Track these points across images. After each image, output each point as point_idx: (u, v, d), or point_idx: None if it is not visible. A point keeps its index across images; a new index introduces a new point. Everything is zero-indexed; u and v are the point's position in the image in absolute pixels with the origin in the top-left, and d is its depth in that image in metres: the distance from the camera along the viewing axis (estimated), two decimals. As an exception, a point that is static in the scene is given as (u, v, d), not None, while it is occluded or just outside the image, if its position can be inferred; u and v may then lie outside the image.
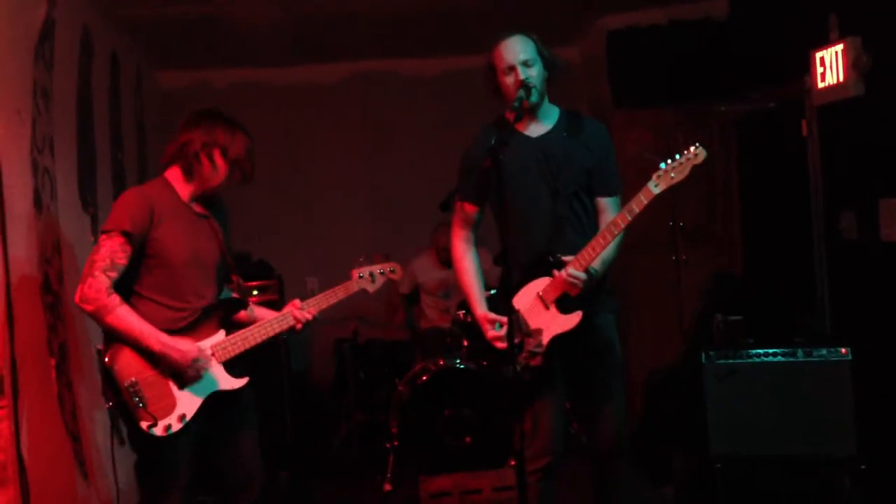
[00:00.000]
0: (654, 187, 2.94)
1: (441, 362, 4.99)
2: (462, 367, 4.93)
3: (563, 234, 3.10)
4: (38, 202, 3.61)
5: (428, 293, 5.83)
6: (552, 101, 3.26)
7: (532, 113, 3.16)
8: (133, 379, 2.84)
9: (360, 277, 3.29)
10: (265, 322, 3.13)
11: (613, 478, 3.25)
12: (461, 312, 5.10)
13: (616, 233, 2.97)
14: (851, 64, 3.98)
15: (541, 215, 3.13)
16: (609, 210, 3.17)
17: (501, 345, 3.09)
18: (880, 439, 3.86)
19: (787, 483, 3.92)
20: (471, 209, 3.30)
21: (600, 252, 2.99)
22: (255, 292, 5.09)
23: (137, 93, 5.56)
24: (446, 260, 5.69)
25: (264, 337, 3.11)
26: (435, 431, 4.90)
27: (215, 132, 3.03)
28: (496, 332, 3.11)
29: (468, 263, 3.30)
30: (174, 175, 3.06)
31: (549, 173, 3.12)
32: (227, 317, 3.10)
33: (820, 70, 4.23)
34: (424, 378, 4.93)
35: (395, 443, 4.95)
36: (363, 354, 5.61)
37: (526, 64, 3.07)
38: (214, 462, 3.13)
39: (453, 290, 5.70)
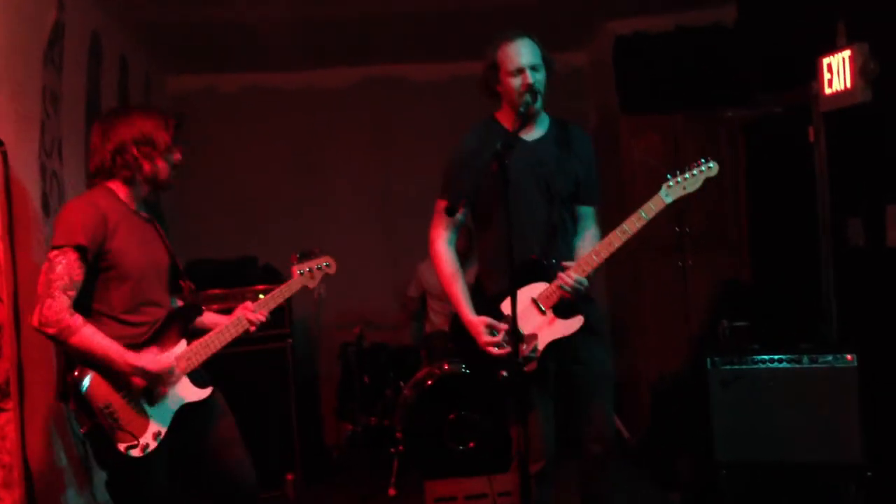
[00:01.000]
0: (666, 196, 2.98)
1: (446, 367, 4.99)
2: (467, 371, 4.93)
3: (555, 240, 3.10)
4: (45, 205, 3.63)
5: (434, 297, 5.84)
6: (557, 108, 3.28)
7: (532, 119, 3.14)
8: (108, 401, 2.75)
9: (301, 274, 3.24)
10: (222, 328, 3.06)
11: (603, 484, 3.20)
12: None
13: (623, 239, 2.97)
14: (859, 70, 3.97)
15: (536, 221, 3.11)
16: (587, 218, 3.19)
17: (497, 351, 3.01)
18: (886, 446, 3.85)
19: (792, 490, 3.91)
20: (460, 209, 3.20)
21: (605, 258, 2.98)
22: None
23: (146, 97, 5.59)
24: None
25: (223, 343, 3.04)
26: (440, 436, 4.90)
27: (138, 127, 2.88)
28: (490, 337, 3.03)
29: (451, 267, 3.22)
30: (116, 185, 2.92)
31: (544, 180, 3.11)
32: (186, 325, 3.03)
33: (827, 76, 4.23)
34: (430, 383, 4.93)
35: (401, 447, 4.95)
36: (368, 359, 5.62)
37: (534, 68, 3.05)
38: (203, 474, 3.06)
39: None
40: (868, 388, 3.84)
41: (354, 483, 5.14)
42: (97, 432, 2.74)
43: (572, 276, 2.98)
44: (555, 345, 3.06)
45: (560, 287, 3.01)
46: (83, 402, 2.73)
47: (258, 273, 5.45)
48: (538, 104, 3.09)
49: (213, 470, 3.03)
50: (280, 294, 3.18)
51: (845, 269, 4.38)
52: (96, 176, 2.92)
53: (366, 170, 6.62)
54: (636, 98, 5.72)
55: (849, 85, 4.05)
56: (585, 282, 2.98)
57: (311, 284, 3.28)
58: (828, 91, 4.24)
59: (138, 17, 4.95)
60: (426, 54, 6.39)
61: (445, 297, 5.66)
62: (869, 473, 3.78)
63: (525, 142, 3.14)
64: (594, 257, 2.99)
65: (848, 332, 4.33)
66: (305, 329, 6.14)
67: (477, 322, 3.07)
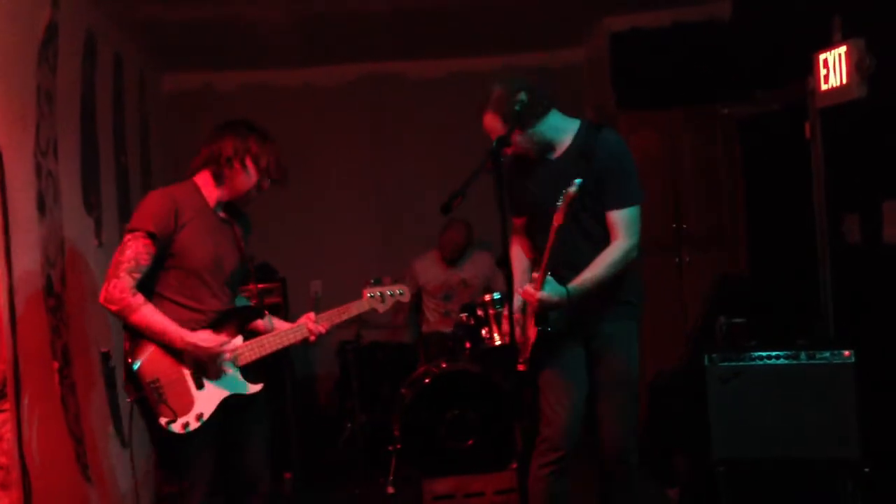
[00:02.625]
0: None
1: (444, 365, 4.99)
2: (465, 370, 4.93)
3: (565, 250, 3.09)
4: (41, 205, 3.62)
5: (429, 295, 5.84)
6: (571, 111, 3.29)
7: (537, 155, 3.22)
8: (156, 377, 2.92)
9: (371, 297, 3.40)
10: (280, 332, 3.22)
11: (617, 485, 3.26)
12: (463, 315, 5.10)
13: (544, 258, 3.01)
14: (855, 66, 3.97)
15: (546, 232, 3.13)
16: (618, 225, 3.13)
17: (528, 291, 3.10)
18: (883, 442, 3.85)
19: (789, 486, 3.91)
20: (517, 221, 3.44)
21: (543, 275, 3.00)
22: (256, 305, 5.10)
23: (141, 95, 5.58)
24: (450, 257, 5.72)
25: (279, 346, 3.20)
26: (438, 434, 4.89)
27: (248, 140, 3.11)
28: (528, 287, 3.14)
29: (518, 258, 3.45)
30: (204, 180, 3.13)
31: (558, 192, 3.09)
32: (243, 324, 3.18)
33: (823, 72, 4.22)
34: (427, 381, 4.92)
35: (398, 445, 4.95)
36: (366, 357, 5.61)
37: (504, 142, 3.03)
38: (227, 466, 3.19)
39: (454, 293, 5.71)
40: (865, 385, 3.84)
41: (352, 481, 5.13)
42: (142, 405, 2.93)
43: (526, 287, 3.08)
44: (537, 350, 3.18)
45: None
46: (132, 373, 2.92)
47: (256, 271, 5.43)
48: (536, 152, 3.19)
49: (238, 466, 3.19)
50: (346, 311, 3.33)
51: (842, 266, 4.38)
52: (194, 162, 3.15)
53: (362, 167, 6.61)
54: (633, 94, 5.73)
55: (845, 81, 4.05)
56: (534, 293, 3.01)
57: (381, 309, 3.45)
58: (824, 87, 4.24)
59: (133, 15, 4.93)
60: (424, 52, 6.39)
61: (439, 296, 5.75)
62: (866, 470, 3.77)
63: (547, 160, 3.23)
64: (540, 274, 3.04)
65: (845, 328, 4.34)
66: (302, 327, 6.14)
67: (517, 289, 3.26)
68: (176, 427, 2.91)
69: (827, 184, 4.47)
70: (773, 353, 3.97)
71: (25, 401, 3.22)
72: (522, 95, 3.08)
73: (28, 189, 3.52)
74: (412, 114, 6.58)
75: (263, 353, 3.15)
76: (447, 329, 5.40)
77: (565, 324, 3.14)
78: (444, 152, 6.32)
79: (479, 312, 4.88)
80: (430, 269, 5.85)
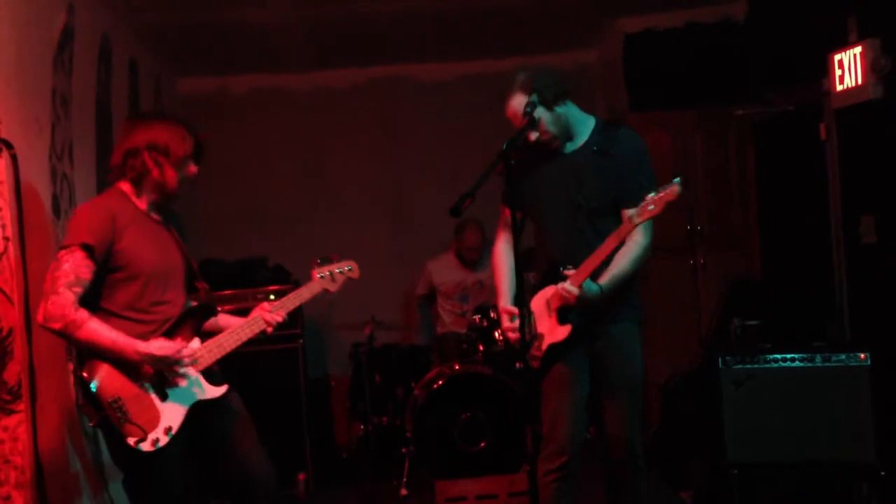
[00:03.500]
0: (637, 218, 2.92)
1: (457, 367, 4.99)
2: (478, 372, 4.93)
3: (579, 246, 3.10)
4: (56, 208, 3.65)
5: (444, 296, 5.83)
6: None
7: (560, 142, 3.19)
8: (116, 395, 2.75)
9: (321, 277, 3.27)
10: (237, 328, 3.08)
11: (623, 486, 3.24)
12: (476, 317, 5.10)
13: (605, 254, 2.97)
14: (870, 66, 3.95)
15: (559, 227, 3.19)
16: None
17: (512, 335, 3.21)
18: (900, 446, 3.82)
19: (804, 489, 3.89)
20: (508, 214, 3.32)
21: (591, 271, 2.99)
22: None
23: (156, 99, 5.61)
24: (469, 260, 5.70)
25: (238, 342, 3.06)
26: (451, 436, 4.90)
27: (155, 134, 2.92)
28: (510, 323, 3.21)
29: (502, 260, 3.39)
30: (127, 187, 2.98)
31: (573, 187, 3.15)
32: (198, 325, 3.04)
33: (838, 73, 4.20)
34: (440, 382, 4.93)
35: (411, 447, 4.95)
36: (379, 358, 5.62)
37: (531, 125, 3.06)
38: (221, 473, 3.10)
39: (470, 294, 5.70)
40: (881, 387, 3.81)
41: (365, 483, 5.14)
42: (106, 425, 2.76)
43: (564, 285, 3.02)
44: (556, 348, 3.14)
45: (557, 294, 3.08)
46: (91, 396, 2.75)
47: (268, 273, 5.46)
48: (557, 140, 3.15)
49: (231, 469, 3.05)
50: (298, 296, 3.21)
51: (858, 268, 4.35)
52: (111, 174, 2.98)
53: (374, 169, 6.62)
54: (645, 95, 5.72)
55: (860, 81, 4.03)
56: (574, 290, 2.98)
57: (332, 288, 3.30)
58: (839, 87, 4.22)
59: (148, 19, 4.96)
60: (434, 54, 6.39)
61: (455, 297, 5.74)
62: (882, 473, 3.74)
63: (561, 153, 3.21)
64: (584, 270, 3.00)
65: (860, 330, 4.31)
66: (316, 329, 6.15)
67: (503, 309, 3.27)
68: (145, 446, 2.75)
69: (842, 185, 4.44)
70: (788, 356, 3.95)
71: (40, 402, 3.24)
72: (549, 74, 3.13)
73: (43, 192, 3.54)
74: (424, 116, 6.58)
75: (223, 353, 3.01)
76: (462, 330, 5.40)
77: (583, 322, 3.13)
78: (456, 154, 6.32)
79: (493, 314, 4.87)
80: (445, 271, 5.84)
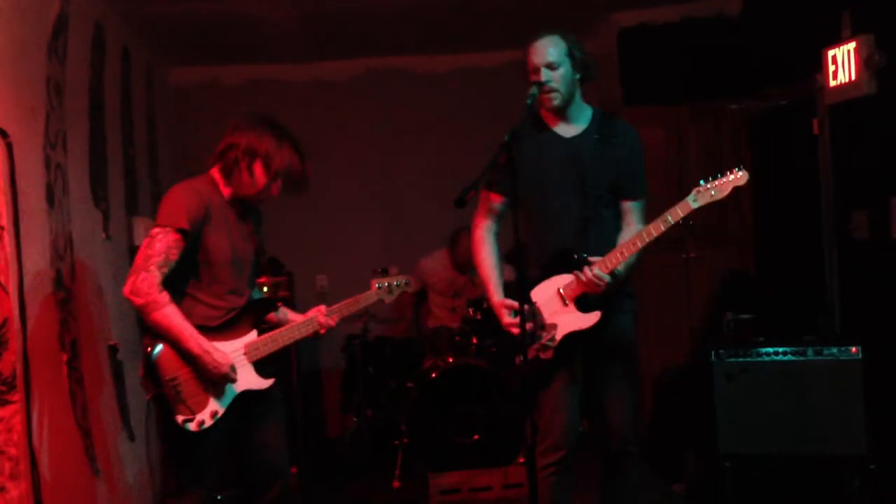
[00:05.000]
0: (694, 202, 2.96)
1: (451, 360, 5.00)
2: (471, 364, 4.94)
3: (587, 234, 3.13)
4: (50, 197, 3.63)
5: (438, 293, 5.83)
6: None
7: (561, 114, 3.19)
8: (175, 374, 2.92)
9: (379, 288, 3.40)
10: (293, 325, 3.21)
11: (621, 476, 3.26)
12: (471, 310, 5.11)
13: (647, 241, 2.98)
14: (864, 62, 3.96)
15: (567, 215, 3.16)
16: (633, 213, 3.20)
17: (516, 331, 3.11)
18: (890, 439, 3.85)
19: (796, 482, 3.92)
20: (496, 199, 3.32)
21: (628, 257, 3.01)
22: (265, 289, 5.11)
23: (149, 89, 5.58)
24: (464, 266, 5.66)
25: (292, 339, 3.19)
26: (444, 429, 4.91)
27: (262, 141, 3.05)
28: (511, 318, 3.15)
29: (487, 252, 3.33)
30: (217, 175, 3.12)
31: (578, 174, 3.15)
32: (259, 317, 3.18)
33: (832, 68, 4.21)
34: (434, 375, 4.94)
35: (405, 440, 4.96)
36: (373, 351, 5.62)
37: (550, 66, 3.09)
38: (241, 458, 3.20)
39: (462, 291, 5.70)
40: (872, 381, 3.84)
41: (359, 475, 5.15)
42: (160, 401, 2.92)
43: (593, 271, 3.01)
44: (574, 336, 3.11)
45: (581, 281, 3.04)
46: (152, 371, 2.91)
47: (262, 265, 5.44)
48: (557, 101, 3.12)
49: (257, 459, 3.17)
50: (355, 303, 3.33)
51: (850, 262, 4.37)
52: (210, 158, 3.12)
53: (370, 162, 6.61)
54: (640, 90, 5.72)
55: (854, 77, 4.04)
56: (606, 278, 3.01)
57: (388, 299, 3.43)
58: (833, 83, 4.23)
59: (141, 8, 4.93)
60: (429, 46, 6.37)
61: (448, 294, 5.73)
62: (873, 466, 3.78)
63: (560, 136, 3.21)
64: (619, 255, 3.02)
65: (851, 324, 4.33)
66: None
67: (499, 304, 3.21)
68: (192, 425, 2.92)
69: (835, 180, 4.46)
70: (780, 350, 3.98)
71: (35, 393, 3.23)
72: (582, 44, 3.16)
73: (37, 181, 3.52)
74: (420, 108, 6.57)
75: (276, 348, 3.15)
76: (454, 324, 5.40)
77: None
78: (452, 147, 6.32)
79: (486, 306, 4.87)
80: (438, 270, 5.84)
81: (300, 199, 6.42)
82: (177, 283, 2.98)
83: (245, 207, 3.19)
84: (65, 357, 3.67)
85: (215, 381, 2.98)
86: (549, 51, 3.09)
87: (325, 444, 5.89)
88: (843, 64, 4.12)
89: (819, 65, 4.33)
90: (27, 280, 3.26)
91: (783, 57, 4.98)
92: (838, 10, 4.22)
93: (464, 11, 5.52)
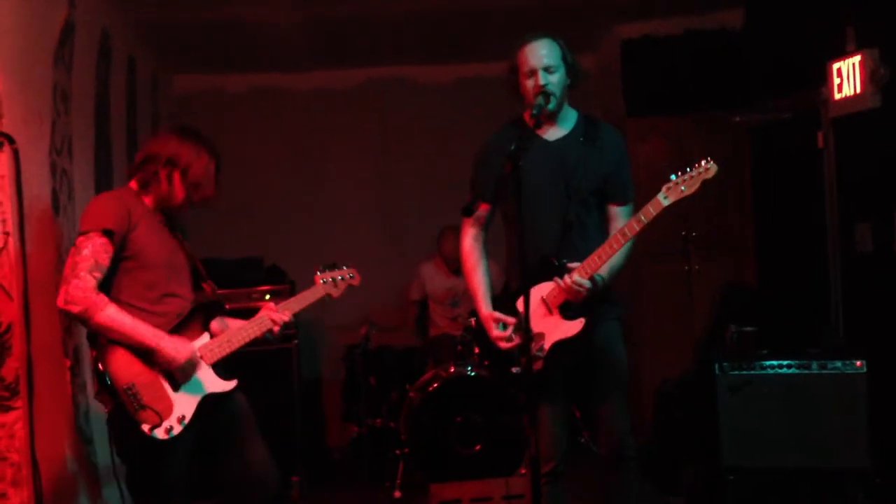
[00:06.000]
0: (664, 199, 2.92)
1: (452, 369, 4.98)
2: (473, 374, 4.92)
3: (569, 238, 3.09)
4: (55, 203, 3.63)
5: (436, 302, 5.83)
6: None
7: (550, 118, 3.16)
8: (131, 382, 2.78)
9: (324, 283, 3.32)
10: (244, 325, 3.13)
11: (618, 484, 3.22)
12: (473, 319, 5.09)
13: (623, 242, 2.95)
14: (868, 76, 3.98)
15: (549, 219, 3.11)
16: (620, 217, 3.17)
17: (505, 345, 3.09)
18: (894, 452, 3.84)
19: (800, 496, 3.90)
20: (483, 207, 3.28)
21: (606, 260, 2.97)
22: (267, 297, 5.10)
23: (154, 96, 5.59)
24: (455, 269, 5.67)
25: (247, 339, 3.10)
26: (445, 438, 4.89)
27: (179, 152, 2.99)
28: (500, 331, 3.12)
29: (475, 262, 3.28)
30: (136, 185, 3.05)
31: (563, 177, 3.11)
32: (208, 321, 3.08)
33: (837, 81, 4.23)
34: (435, 385, 4.92)
35: (406, 449, 4.94)
36: (374, 360, 5.61)
37: (548, 70, 3.06)
38: (222, 468, 3.09)
39: (462, 299, 5.69)
40: (876, 395, 3.83)
41: (359, 485, 5.13)
42: (120, 413, 2.76)
43: (573, 277, 2.97)
44: (562, 345, 3.06)
45: (562, 288, 3.01)
46: (105, 383, 2.77)
47: (263, 273, 5.44)
48: (552, 106, 3.08)
49: (233, 468, 3.06)
50: (303, 298, 3.26)
51: (853, 275, 4.38)
52: (128, 168, 3.08)
53: (371, 170, 6.62)
54: (643, 102, 5.74)
55: (858, 90, 4.06)
56: (586, 283, 2.96)
57: (335, 293, 3.35)
58: (837, 96, 4.25)
59: (147, 16, 4.95)
60: (431, 56, 6.39)
61: (447, 303, 5.73)
62: (877, 480, 3.77)
63: (545, 140, 3.17)
64: (596, 259, 2.97)
65: (856, 337, 4.33)
66: (310, 330, 6.13)
67: (487, 316, 3.17)
68: (160, 433, 2.77)
69: (839, 193, 4.47)
70: (785, 363, 3.97)
71: (38, 399, 3.22)
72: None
73: (43, 187, 3.52)
74: (421, 118, 6.58)
75: (233, 349, 3.05)
76: (455, 333, 5.39)
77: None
78: (452, 156, 6.30)
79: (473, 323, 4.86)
80: (435, 277, 5.84)
81: (302, 206, 6.49)
82: (114, 294, 2.88)
83: (169, 217, 3.12)
84: (68, 363, 3.65)
85: (175, 374, 2.85)
86: (547, 54, 3.07)
87: (326, 453, 5.86)
88: (847, 77, 4.14)
89: (823, 78, 4.35)
90: (32, 286, 3.25)
91: (786, 70, 5.00)
92: (842, 24, 4.24)
93: (465, 22, 5.54)
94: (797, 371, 3.95)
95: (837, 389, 3.87)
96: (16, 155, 3.15)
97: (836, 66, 4.22)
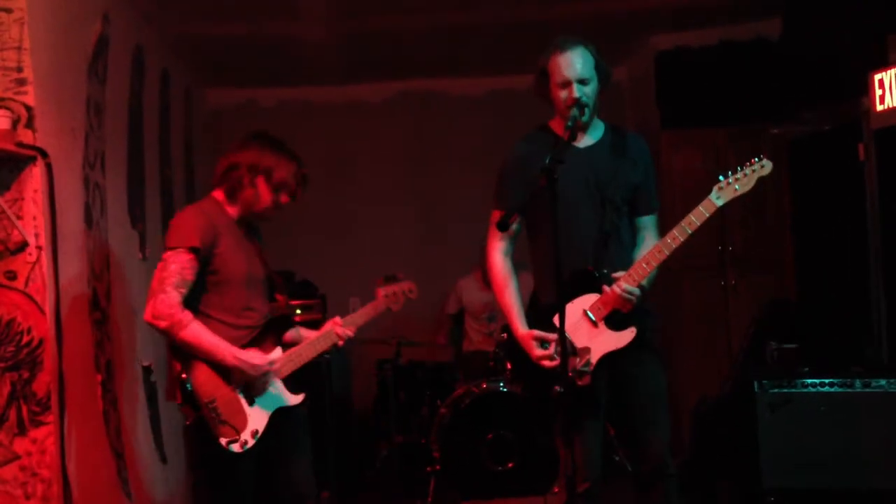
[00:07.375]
0: (717, 199, 2.86)
1: (484, 385, 4.92)
2: (505, 390, 4.86)
3: (607, 249, 3.02)
4: (88, 218, 3.63)
5: (473, 316, 5.78)
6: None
7: (583, 128, 3.09)
8: (212, 396, 2.89)
9: (386, 296, 3.36)
10: (312, 340, 3.19)
11: (661, 498, 3.08)
12: (504, 335, 5.03)
13: (673, 247, 2.88)
14: (913, 86, 3.88)
15: (586, 230, 3.03)
16: (648, 228, 3.11)
17: (549, 363, 2.95)
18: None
19: (843, 518, 3.80)
20: (515, 221, 3.13)
21: (655, 266, 2.91)
22: (298, 311, 5.09)
23: (187, 110, 5.62)
24: None
25: (315, 353, 3.17)
26: (477, 455, 4.83)
27: (262, 157, 3.06)
28: (542, 350, 2.98)
29: (506, 278, 3.16)
30: (221, 195, 3.10)
31: (596, 187, 3.05)
32: (280, 335, 3.15)
33: (879, 92, 4.13)
34: (467, 401, 4.86)
35: (437, 466, 4.88)
36: (405, 376, 5.56)
37: (583, 82, 2.99)
38: (268, 480, 3.14)
39: (498, 314, 5.63)
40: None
41: (390, 502, 5.08)
42: (200, 425, 2.88)
43: (622, 286, 2.90)
44: (607, 358, 2.98)
45: (610, 298, 2.93)
46: (189, 395, 2.87)
47: (295, 288, 5.43)
48: (586, 117, 3.02)
49: (281, 479, 3.12)
50: (367, 313, 3.31)
51: (897, 290, 4.27)
52: (213, 179, 3.13)
53: (403, 184, 6.60)
54: (677, 113, 5.67)
55: (902, 101, 3.96)
56: (637, 291, 2.90)
57: (395, 307, 3.39)
58: (879, 108, 4.14)
59: (180, 31, 4.98)
60: (463, 69, 6.37)
61: (483, 317, 5.68)
62: (923, 501, 3.66)
63: (577, 149, 3.06)
64: (644, 266, 2.91)
65: (899, 354, 4.22)
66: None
67: (527, 335, 3.03)
68: (236, 447, 2.89)
69: (881, 206, 4.36)
70: (827, 381, 3.88)
71: (68, 414, 3.21)
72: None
73: (76, 201, 3.53)
74: (454, 131, 6.55)
75: (302, 363, 3.13)
76: (489, 348, 5.34)
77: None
78: (486, 169, 6.25)
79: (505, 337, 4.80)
80: (473, 291, 5.79)
81: (334, 220, 6.47)
82: (197, 306, 2.95)
83: (249, 227, 3.18)
84: (99, 378, 3.65)
85: (253, 387, 2.95)
86: (583, 65, 2.99)
87: (356, 469, 5.82)
88: (890, 88, 4.04)
89: (864, 89, 4.24)
90: (63, 300, 3.25)
91: (825, 80, 4.90)
92: (882, 32, 4.15)
93: (499, 34, 5.51)
94: (840, 389, 3.86)
95: (882, 408, 3.78)
96: (49, 169, 3.15)
97: (877, 76, 4.12)
